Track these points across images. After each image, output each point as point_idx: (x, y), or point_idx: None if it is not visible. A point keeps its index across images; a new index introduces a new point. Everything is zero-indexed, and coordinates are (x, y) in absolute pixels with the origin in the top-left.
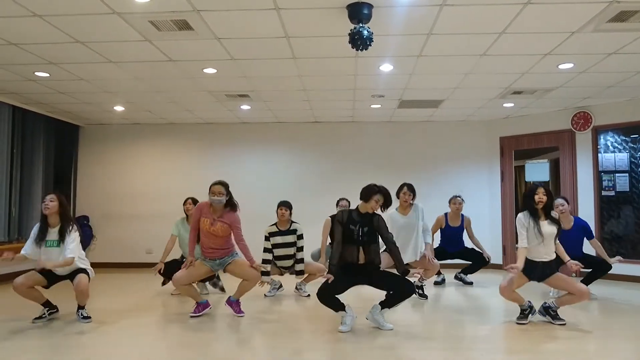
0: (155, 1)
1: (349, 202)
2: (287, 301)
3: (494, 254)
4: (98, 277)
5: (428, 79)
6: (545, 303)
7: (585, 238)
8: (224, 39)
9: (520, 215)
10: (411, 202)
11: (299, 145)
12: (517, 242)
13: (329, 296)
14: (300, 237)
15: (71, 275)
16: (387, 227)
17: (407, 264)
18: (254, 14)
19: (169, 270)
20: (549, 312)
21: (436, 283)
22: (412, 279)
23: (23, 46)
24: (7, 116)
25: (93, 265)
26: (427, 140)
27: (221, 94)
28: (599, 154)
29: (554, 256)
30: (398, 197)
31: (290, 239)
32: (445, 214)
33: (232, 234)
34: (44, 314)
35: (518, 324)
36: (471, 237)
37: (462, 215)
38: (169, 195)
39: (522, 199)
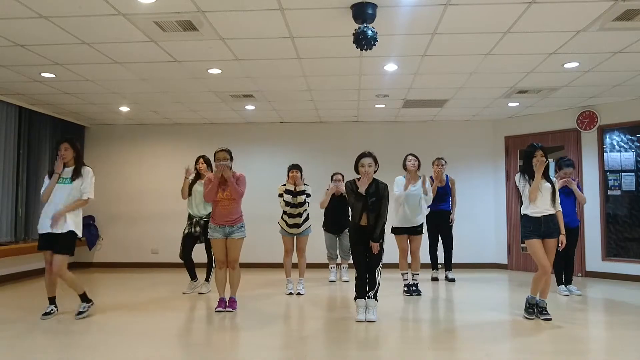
0: (160, 2)
1: (342, 175)
2: (292, 300)
3: (499, 253)
4: (103, 276)
5: (433, 79)
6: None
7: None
8: (228, 39)
9: (516, 176)
10: (417, 170)
11: (304, 145)
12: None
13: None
14: (308, 195)
15: (57, 242)
16: (388, 198)
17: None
18: (258, 14)
19: (187, 246)
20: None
21: (433, 279)
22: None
23: (29, 47)
24: (14, 117)
25: (98, 265)
26: (431, 140)
27: (226, 94)
28: (605, 153)
29: (553, 211)
30: (405, 168)
31: (300, 199)
32: (431, 177)
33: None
34: (52, 310)
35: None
36: (453, 195)
37: (447, 175)
38: (174, 196)
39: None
